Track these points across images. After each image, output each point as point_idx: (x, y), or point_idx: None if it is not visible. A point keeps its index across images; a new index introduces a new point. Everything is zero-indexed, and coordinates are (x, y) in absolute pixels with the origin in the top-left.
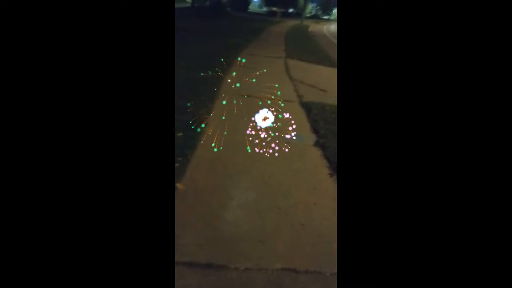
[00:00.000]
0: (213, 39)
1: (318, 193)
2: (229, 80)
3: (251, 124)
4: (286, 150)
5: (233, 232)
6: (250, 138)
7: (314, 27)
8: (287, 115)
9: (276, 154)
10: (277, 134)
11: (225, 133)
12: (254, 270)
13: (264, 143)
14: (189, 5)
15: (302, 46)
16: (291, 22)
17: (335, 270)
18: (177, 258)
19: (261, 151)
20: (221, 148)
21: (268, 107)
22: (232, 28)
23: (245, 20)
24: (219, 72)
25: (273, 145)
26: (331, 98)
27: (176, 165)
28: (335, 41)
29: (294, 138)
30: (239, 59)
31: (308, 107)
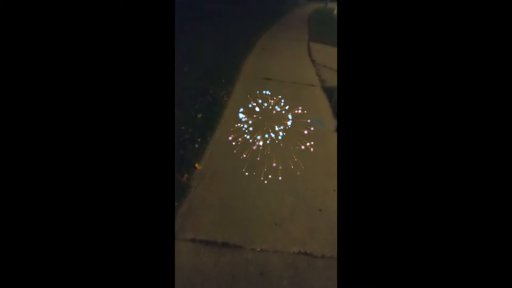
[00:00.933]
0: (233, 22)
1: (336, 180)
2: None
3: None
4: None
5: (250, 214)
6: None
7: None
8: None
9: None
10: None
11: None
12: (270, 252)
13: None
14: None
15: (325, 29)
16: (315, 4)
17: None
18: (193, 236)
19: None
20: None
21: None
22: (254, 11)
23: (267, 3)
24: (224, 97)
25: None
26: None
27: (196, 146)
28: None
29: (316, 123)
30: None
31: (330, 92)
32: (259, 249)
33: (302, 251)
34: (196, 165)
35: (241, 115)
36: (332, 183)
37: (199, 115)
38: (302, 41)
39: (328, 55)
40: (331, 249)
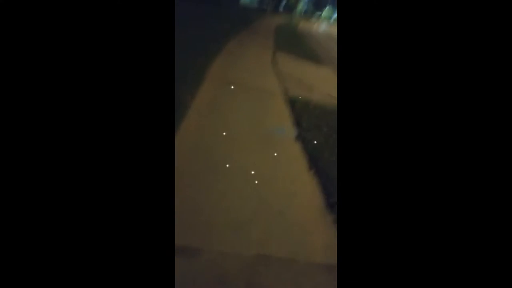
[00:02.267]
0: (203, 25)
1: (296, 185)
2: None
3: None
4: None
5: (211, 217)
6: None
7: (304, 24)
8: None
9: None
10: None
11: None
12: (228, 254)
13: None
14: None
15: (291, 42)
16: (282, 17)
17: (310, 259)
18: None
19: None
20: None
21: (253, 98)
22: (224, 16)
23: (236, 10)
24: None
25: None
26: (316, 94)
27: None
28: (325, 39)
29: (277, 130)
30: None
31: (292, 101)
32: (217, 252)
33: (261, 253)
34: None
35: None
36: (292, 188)
37: None
38: (268, 49)
39: (292, 65)
40: (289, 251)
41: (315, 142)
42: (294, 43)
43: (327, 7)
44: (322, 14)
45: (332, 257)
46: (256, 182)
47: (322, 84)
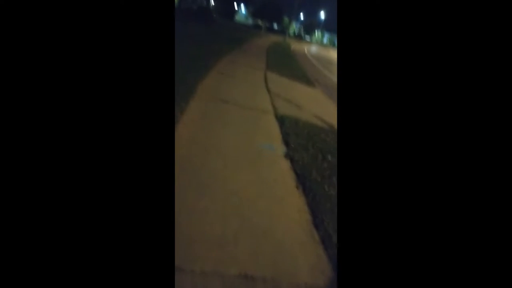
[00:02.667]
0: (196, 43)
1: (283, 204)
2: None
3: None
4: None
5: (193, 235)
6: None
7: (296, 45)
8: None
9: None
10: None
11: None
12: (210, 274)
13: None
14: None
15: (282, 62)
16: (275, 38)
17: (295, 280)
18: None
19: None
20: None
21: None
22: (216, 34)
23: (230, 29)
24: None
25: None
26: (305, 114)
27: None
28: (315, 61)
29: (265, 147)
30: None
31: (282, 120)
32: (199, 271)
33: (244, 273)
34: None
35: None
36: (278, 207)
37: None
38: (259, 69)
39: (283, 85)
40: (273, 271)
41: (302, 161)
42: (285, 64)
43: (317, 31)
44: (313, 37)
45: (317, 278)
46: (241, 200)
47: (311, 105)
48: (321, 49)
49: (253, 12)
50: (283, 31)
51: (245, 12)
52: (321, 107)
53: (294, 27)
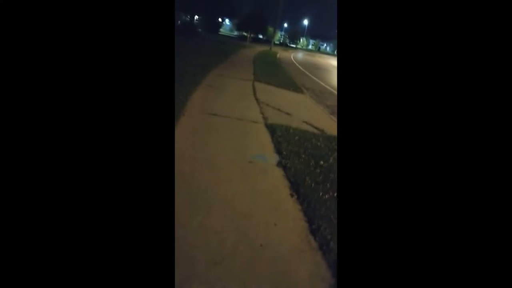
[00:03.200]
0: (182, 59)
1: (278, 214)
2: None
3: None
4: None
5: (190, 253)
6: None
7: (282, 53)
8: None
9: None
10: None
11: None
12: None
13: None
14: None
15: (269, 71)
16: (260, 48)
17: None
18: None
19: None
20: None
21: (233, 128)
22: (202, 48)
23: (215, 42)
24: None
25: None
26: (295, 121)
27: None
28: (301, 68)
29: (258, 158)
30: None
31: (272, 129)
32: None
33: None
34: None
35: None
36: (272, 217)
37: None
38: (247, 80)
39: (271, 94)
40: (272, 284)
41: (295, 168)
42: (272, 72)
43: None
44: (298, 44)
45: (317, 285)
46: (236, 213)
47: (300, 111)
48: (307, 55)
49: (238, 24)
50: (268, 40)
51: (230, 24)
52: (310, 113)
53: (279, 36)
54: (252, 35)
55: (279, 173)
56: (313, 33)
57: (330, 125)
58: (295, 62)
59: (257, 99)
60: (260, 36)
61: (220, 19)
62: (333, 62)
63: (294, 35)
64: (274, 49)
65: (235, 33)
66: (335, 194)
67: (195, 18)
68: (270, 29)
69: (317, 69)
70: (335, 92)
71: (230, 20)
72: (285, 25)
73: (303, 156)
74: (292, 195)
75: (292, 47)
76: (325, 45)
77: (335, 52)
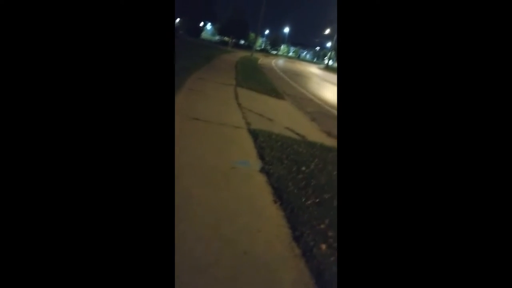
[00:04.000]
0: None
1: (262, 220)
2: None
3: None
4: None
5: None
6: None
7: (263, 60)
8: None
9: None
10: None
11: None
12: None
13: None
14: None
15: (251, 76)
16: (242, 53)
17: None
18: None
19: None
20: None
21: (215, 133)
22: (183, 52)
23: (197, 46)
24: None
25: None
26: (278, 127)
27: None
28: (282, 74)
29: (241, 163)
30: None
31: (255, 134)
32: None
33: None
34: None
35: None
36: (256, 224)
37: None
38: (229, 85)
39: (253, 99)
40: None
41: (278, 174)
42: (254, 78)
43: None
44: (279, 51)
45: None
46: (219, 219)
47: (282, 117)
48: (288, 62)
49: (220, 29)
50: (249, 46)
51: (212, 29)
52: (291, 119)
53: (260, 42)
54: (233, 40)
55: (262, 179)
56: (294, 40)
57: (311, 131)
58: (276, 68)
59: (239, 104)
60: (242, 42)
61: (201, 23)
62: (313, 69)
63: (275, 42)
64: (256, 55)
65: (217, 37)
66: (317, 200)
67: (176, 21)
68: (252, 35)
69: (298, 76)
70: (315, 99)
71: (212, 24)
72: (267, 31)
73: (285, 162)
74: (275, 201)
75: (273, 53)
76: (305, 52)
77: (315, 60)
